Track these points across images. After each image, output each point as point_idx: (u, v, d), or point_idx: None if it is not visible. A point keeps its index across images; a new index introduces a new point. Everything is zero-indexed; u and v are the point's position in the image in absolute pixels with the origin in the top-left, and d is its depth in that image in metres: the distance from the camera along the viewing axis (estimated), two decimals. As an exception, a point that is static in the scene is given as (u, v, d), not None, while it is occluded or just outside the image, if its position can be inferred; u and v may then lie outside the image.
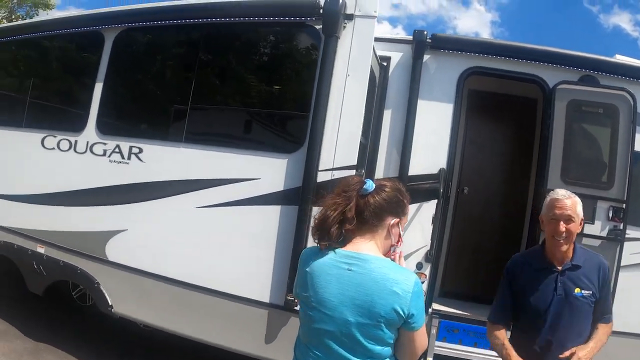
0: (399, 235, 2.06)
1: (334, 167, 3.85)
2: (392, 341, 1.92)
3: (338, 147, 3.87)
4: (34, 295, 5.24)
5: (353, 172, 3.82)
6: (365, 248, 1.97)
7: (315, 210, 3.75)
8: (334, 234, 1.96)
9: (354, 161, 3.84)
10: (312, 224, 2.05)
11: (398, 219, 2.03)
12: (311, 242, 3.71)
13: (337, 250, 1.97)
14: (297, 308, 3.76)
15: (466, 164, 5.23)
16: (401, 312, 1.85)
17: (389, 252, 2.07)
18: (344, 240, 1.99)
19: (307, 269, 2.00)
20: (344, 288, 1.91)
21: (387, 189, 2.02)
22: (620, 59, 5.00)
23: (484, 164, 5.28)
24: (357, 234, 1.99)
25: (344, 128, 3.88)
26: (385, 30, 47.24)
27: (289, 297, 3.88)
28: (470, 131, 5.25)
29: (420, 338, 1.95)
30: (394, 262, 2.01)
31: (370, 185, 2.00)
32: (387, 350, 1.93)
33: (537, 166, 4.59)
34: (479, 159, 5.27)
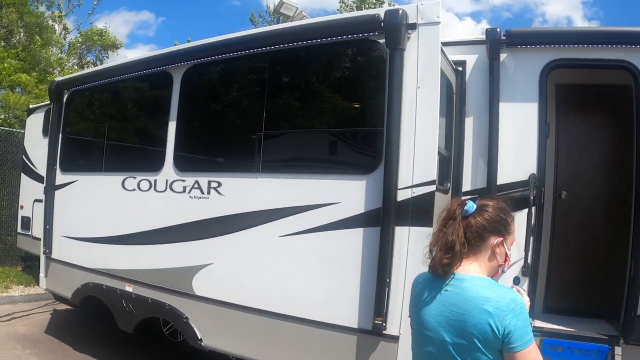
0: (506, 255, 2.23)
1: (414, 184, 4.07)
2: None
3: (416, 163, 4.09)
4: (126, 334, 5.85)
5: (433, 187, 4.03)
6: (467, 269, 2.17)
7: (400, 231, 4.09)
8: (439, 266, 2.17)
9: (433, 176, 4.04)
10: (426, 255, 2.28)
11: (502, 238, 2.21)
12: (396, 262, 4.04)
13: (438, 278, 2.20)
14: (385, 332, 4.09)
15: (562, 165, 5.24)
16: (495, 332, 1.98)
17: (497, 273, 2.26)
18: (447, 272, 2.18)
19: (414, 293, 2.29)
20: (441, 309, 2.12)
21: (489, 209, 2.23)
22: None
23: (582, 164, 5.26)
24: (461, 263, 2.18)
25: (420, 143, 4.09)
26: (468, 26, 46.54)
27: (376, 321, 4.11)
28: (563, 129, 5.26)
29: None
30: (492, 281, 2.15)
31: (471, 206, 2.23)
32: None
33: (637, 162, 4.56)
34: (576, 159, 5.26)
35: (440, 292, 2.16)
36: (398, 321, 4.11)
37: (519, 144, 4.66)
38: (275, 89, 4.98)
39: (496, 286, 2.12)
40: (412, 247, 4.08)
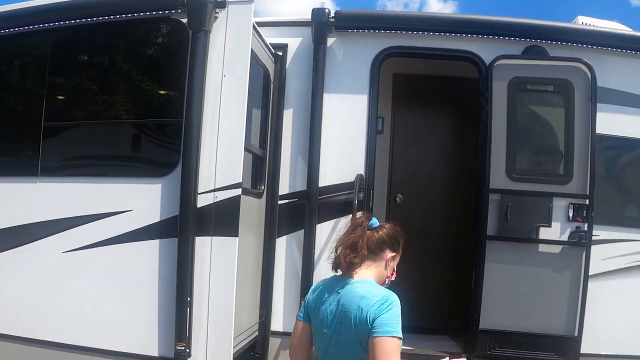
0: (394, 270, 3.20)
1: (216, 187, 4.48)
2: (366, 355, 2.85)
3: (219, 163, 4.49)
4: None
5: (239, 191, 4.45)
6: (361, 274, 3.04)
7: (201, 242, 4.50)
8: (343, 263, 3.07)
9: (238, 178, 4.45)
10: (331, 257, 3.17)
11: (395, 254, 3.16)
12: (198, 278, 4.44)
13: (340, 277, 3.10)
14: (190, 359, 4.48)
15: (397, 166, 5.87)
16: (365, 321, 2.81)
17: (384, 283, 3.13)
18: (349, 270, 3.07)
19: (313, 297, 3.15)
20: (334, 307, 2.99)
21: (386, 227, 3.17)
22: (582, 20, 5.73)
23: (420, 164, 5.90)
24: (361, 265, 3.05)
25: (224, 140, 4.49)
26: (317, -1, 47.51)
27: (178, 347, 4.46)
28: (400, 125, 5.89)
29: (379, 348, 2.77)
30: (375, 283, 3.04)
31: (375, 221, 3.15)
32: None
33: (477, 161, 5.23)
34: (413, 159, 5.90)
35: (334, 293, 3.04)
36: (204, 345, 4.51)
37: (346, 140, 5.21)
38: (59, 74, 5.18)
39: (375, 287, 3.01)
40: (215, 260, 4.50)
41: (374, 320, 2.80)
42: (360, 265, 3.04)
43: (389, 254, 3.12)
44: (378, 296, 2.89)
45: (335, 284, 3.07)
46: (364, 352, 2.85)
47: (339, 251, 3.14)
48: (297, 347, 3.23)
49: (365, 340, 2.82)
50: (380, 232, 3.12)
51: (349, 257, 3.06)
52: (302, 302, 3.28)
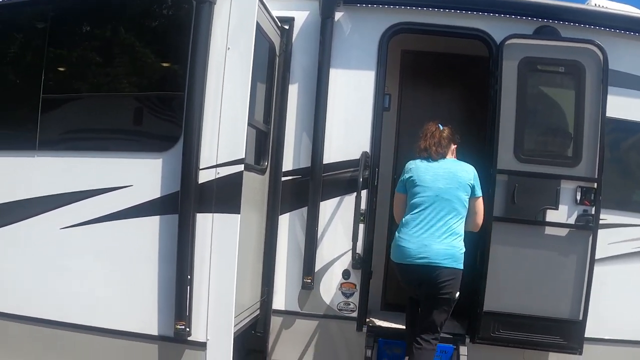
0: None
1: (218, 163, 4.36)
2: (466, 204, 4.52)
3: (221, 138, 4.37)
4: None
5: (241, 167, 4.34)
6: (448, 157, 4.68)
7: (202, 219, 4.39)
8: (434, 153, 4.61)
9: (242, 154, 4.33)
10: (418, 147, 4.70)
11: (456, 145, 4.77)
12: (199, 255, 4.32)
13: (431, 160, 4.62)
14: (190, 338, 4.35)
15: (403, 143, 5.79)
16: (470, 182, 4.50)
17: None
18: (438, 157, 4.63)
19: (412, 169, 4.61)
20: (436, 171, 4.54)
21: (447, 128, 4.72)
22: (595, 2, 5.55)
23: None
24: (445, 152, 4.67)
25: (227, 115, 4.37)
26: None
27: (178, 326, 4.36)
28: (407, 103, 5.79)
29: (479, 205, 4.62)
30: (459, 161, 4.70)
31: (441, 126, 4.71)
32: (463, 211, 4.54)
33: (486, 142, 5.17)
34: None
35: (434, 164, 4.58)
36: (204, 324, 4.41)
37: (351, 117, 5.13)
38: (59, 46, 5.01)
39: (462, 162, 4.68)
40: (216, 237, 4.39)
41: (473, 185, 4.51)
42: (445, 152, 4.59)
43: (453, 146, 4.73)
44: (471, 168, 4.60)
45: (429, 163, 4.57)
46: (459, 201, 4.46)
47: (429, 147, 4.60)
48: (401, 210, 4.63)
49: (465, 194, 4.48)
50: (446, 132, 4.68)
51: (440, 149, 4.61)
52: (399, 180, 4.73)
